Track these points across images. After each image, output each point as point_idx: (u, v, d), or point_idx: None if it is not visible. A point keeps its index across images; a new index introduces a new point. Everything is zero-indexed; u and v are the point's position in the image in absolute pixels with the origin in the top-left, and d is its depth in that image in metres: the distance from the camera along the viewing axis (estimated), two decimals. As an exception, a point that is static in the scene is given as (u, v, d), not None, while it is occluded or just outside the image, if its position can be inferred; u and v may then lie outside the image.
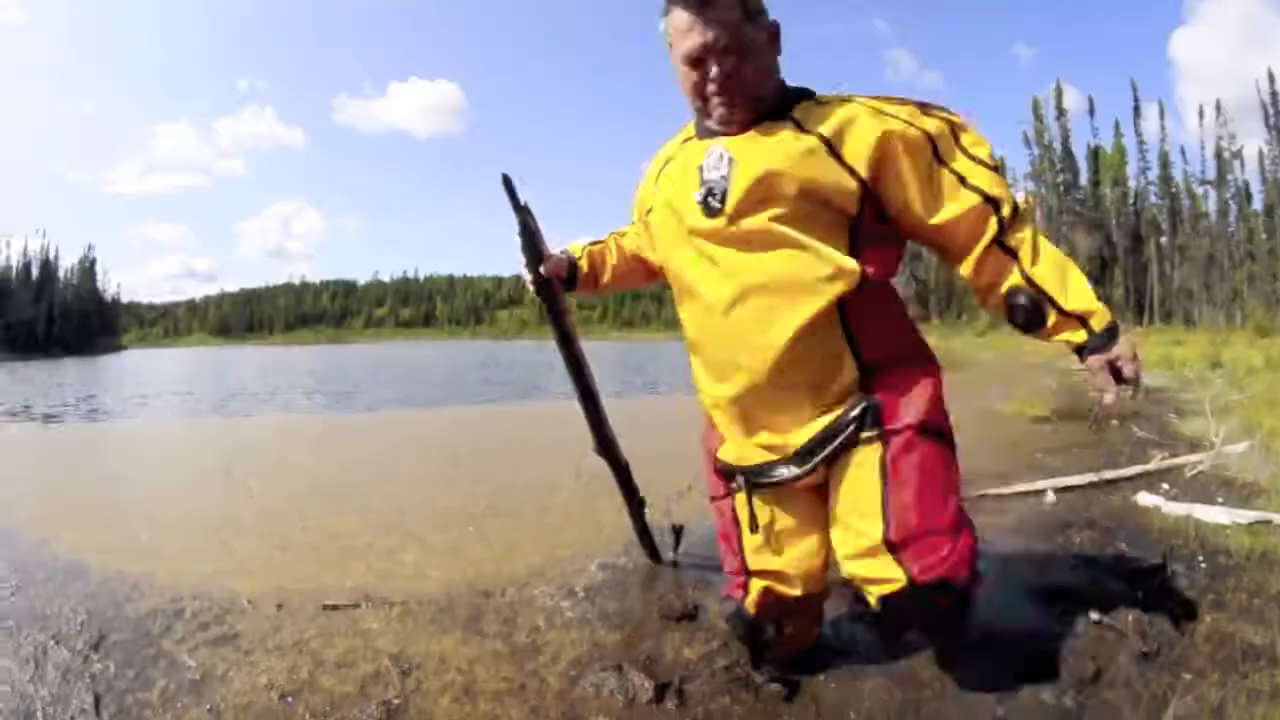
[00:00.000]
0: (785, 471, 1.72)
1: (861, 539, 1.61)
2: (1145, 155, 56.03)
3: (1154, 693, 1.69)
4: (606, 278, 2.13)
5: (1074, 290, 1.60)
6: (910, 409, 1.65)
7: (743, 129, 1.65)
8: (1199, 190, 53.89)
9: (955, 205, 1.61)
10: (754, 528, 1.78)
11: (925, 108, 1.65)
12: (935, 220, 1.63)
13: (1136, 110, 56.26)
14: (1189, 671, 1.77)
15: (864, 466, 1.65)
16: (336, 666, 1.91)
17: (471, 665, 1.93)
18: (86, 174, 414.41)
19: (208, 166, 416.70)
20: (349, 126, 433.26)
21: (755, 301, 1.62)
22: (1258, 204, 51.80)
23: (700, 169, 1.68)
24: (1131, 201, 56.15)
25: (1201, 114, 53.95)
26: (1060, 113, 57.35)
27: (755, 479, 1.76)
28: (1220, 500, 3.36)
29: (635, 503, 2.59)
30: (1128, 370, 1.58)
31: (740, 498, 1.80)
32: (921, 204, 1.62)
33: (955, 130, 1.64)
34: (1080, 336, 1.60)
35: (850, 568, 1.64)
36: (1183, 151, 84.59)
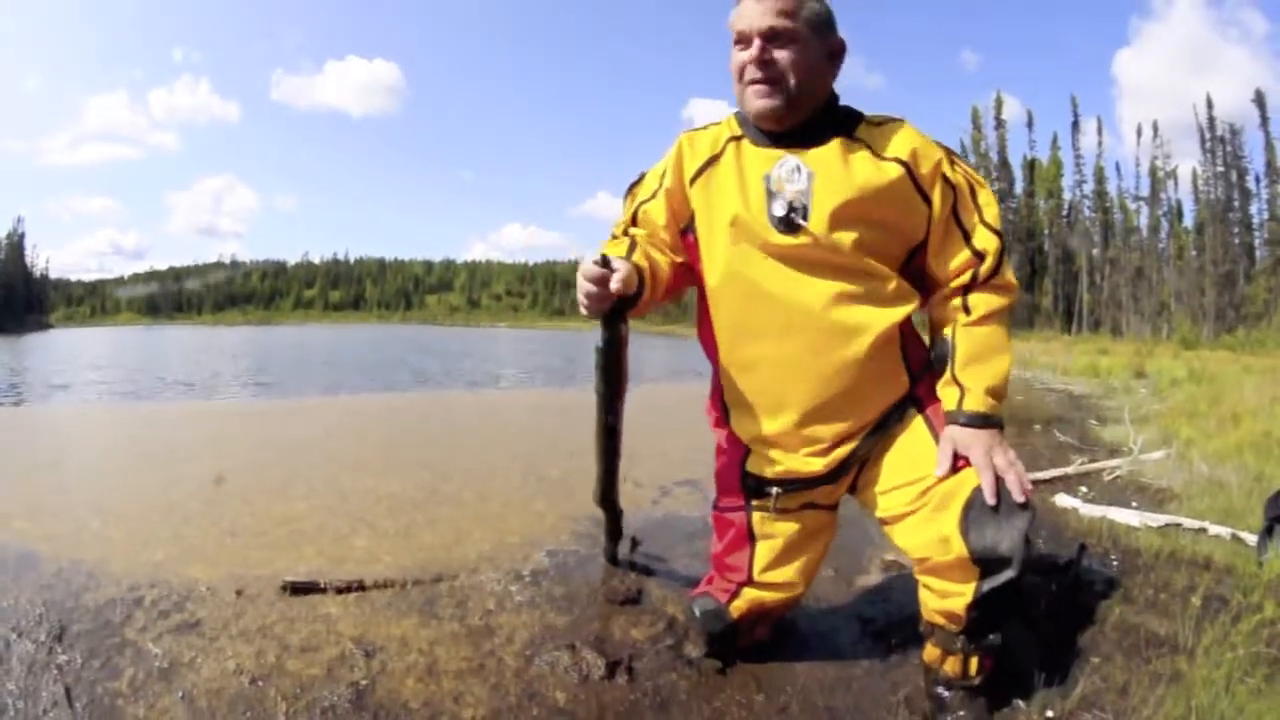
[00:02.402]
0: (829, 476, 1.69)
1: (921, 482, 1.56)
2: (1081, 169, 57.36)
3: (1064, 674, 1.78)
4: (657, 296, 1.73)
5: (977, 368, 1.60)
6: (930, 390, 1.68)
7: (792, 132, 1.61)
8: (1132, 206, 55.60)
9: (955, 257, 1.63)
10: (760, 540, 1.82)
11: (952, 158, 1.64)
12: (937, 266, 1.65)
13: (1076, 125, 57.65)
14: (1097, 656, 1.89)
15: (911, 434, 1.64)
16: (301, 650, 1.93)
17: (432, 646, 1.97)
18: (24, 143, 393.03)
19: (140, 138, 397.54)
20: (284, 103, 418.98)
21: (835, 317, 1.56)
22: (1189, 221, 53.84)
23: (768, 179, 1.59)
24: (1065, 213, 57.69)
25: (1139, 132, 55.37)
26: (999, 123, 58.45)
27: (792, 488, 1.74)
28: (1135, 504, 3.49)
29: (617, 536, 2.52)
30: (975, 462, 1.52)
31: (760, 516, 1.81)
32: (931, 245, 1.63)
33: (974, 188, 1.64)
34: (951, 403, 1.59)
35: (912, 512, 1.56)
36: (1118, 167, 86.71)
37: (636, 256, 1.66)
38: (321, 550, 2.74)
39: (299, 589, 2.30)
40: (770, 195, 1.58)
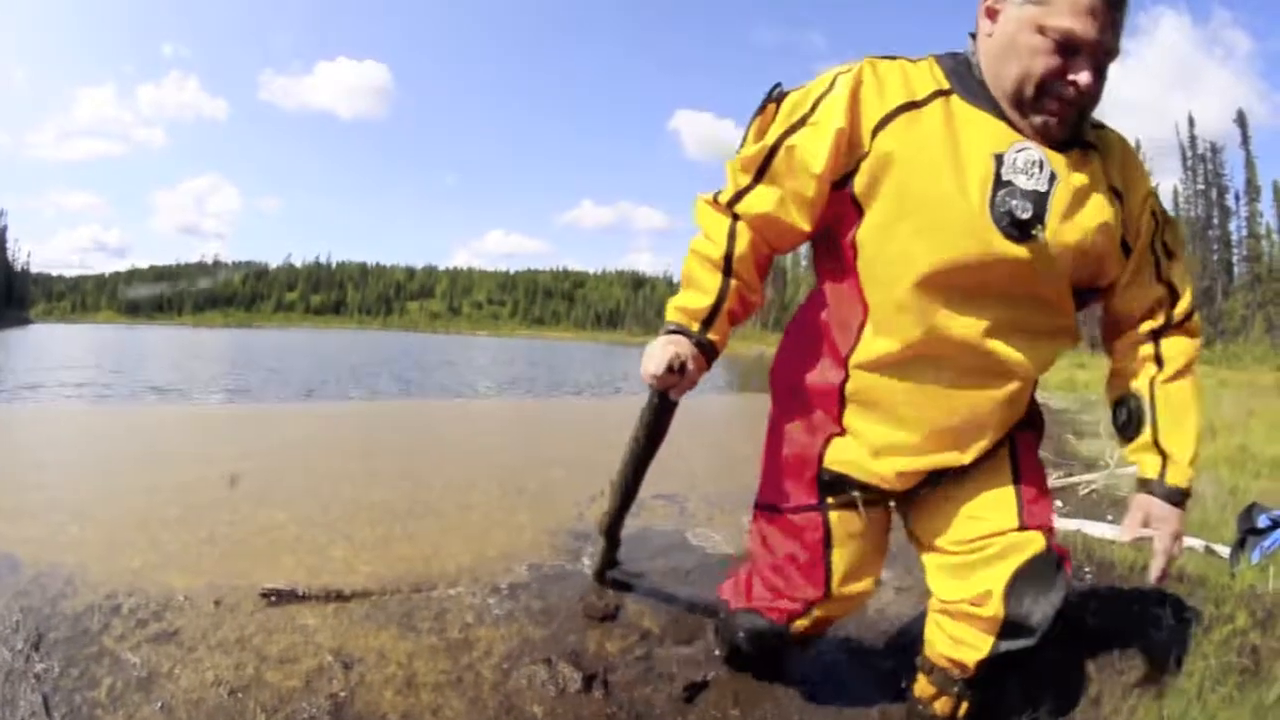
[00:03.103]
0: (924, 488, 1.51)
1: (985, 523, 1.46)
2: None
3: (1037, 686, 1.79)
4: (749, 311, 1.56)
5: (1179, 434, 1.46)
6: (1030, 409, 1.58)
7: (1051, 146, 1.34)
8: None
9: (1147, 293, 1.48)
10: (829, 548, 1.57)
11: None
12: (1123, 303, 1.50)
13: None
14: (1070, 668, 1.91)
15: (991, 466, 1.49)
16: (280, 662, 1.92)
17: (410, 659, 1.97)
18: (10, 136, 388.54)
19: (127, 134, 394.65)
20: (272, 103, 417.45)
21: (995, 348, 1.36)
22: None
23: (1000, 160, 1.30)
24: None
25: None
26: None
27: (870, 494, 1.52)
28: (1110, 517, 3.51)
29: (611, 564, 2.51)
30: (1160, 540, 1.45)
31: (839, 515, 1.55)
32: (1123, 279, 1.47)
33: (1170, 221, 1.49)
34: (1153, 469, 1.47)
35: (964, 554, 1.46)
36: None
37: (714, 330, 1.46)
38: (300, 560, 2.73)
39: (278, 598, 2.30)
40: (1000, 181, 1.30)
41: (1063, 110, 1.29)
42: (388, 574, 2.61)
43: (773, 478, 1.63)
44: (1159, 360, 1.49)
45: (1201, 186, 52.24)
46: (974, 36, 1.39)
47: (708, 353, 1.46)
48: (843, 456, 1.51)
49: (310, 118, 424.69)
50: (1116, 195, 1.38)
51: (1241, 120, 51.20)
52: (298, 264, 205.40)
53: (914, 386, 1.40)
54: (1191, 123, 52.66)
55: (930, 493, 1.52)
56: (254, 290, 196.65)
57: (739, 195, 1.46)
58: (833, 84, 1.37)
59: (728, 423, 8.55)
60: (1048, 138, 1.32)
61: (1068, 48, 1.25)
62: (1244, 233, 51.22)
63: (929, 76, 1.37)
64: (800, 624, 1.63)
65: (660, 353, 1.38)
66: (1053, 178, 1.30)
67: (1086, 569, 2.68)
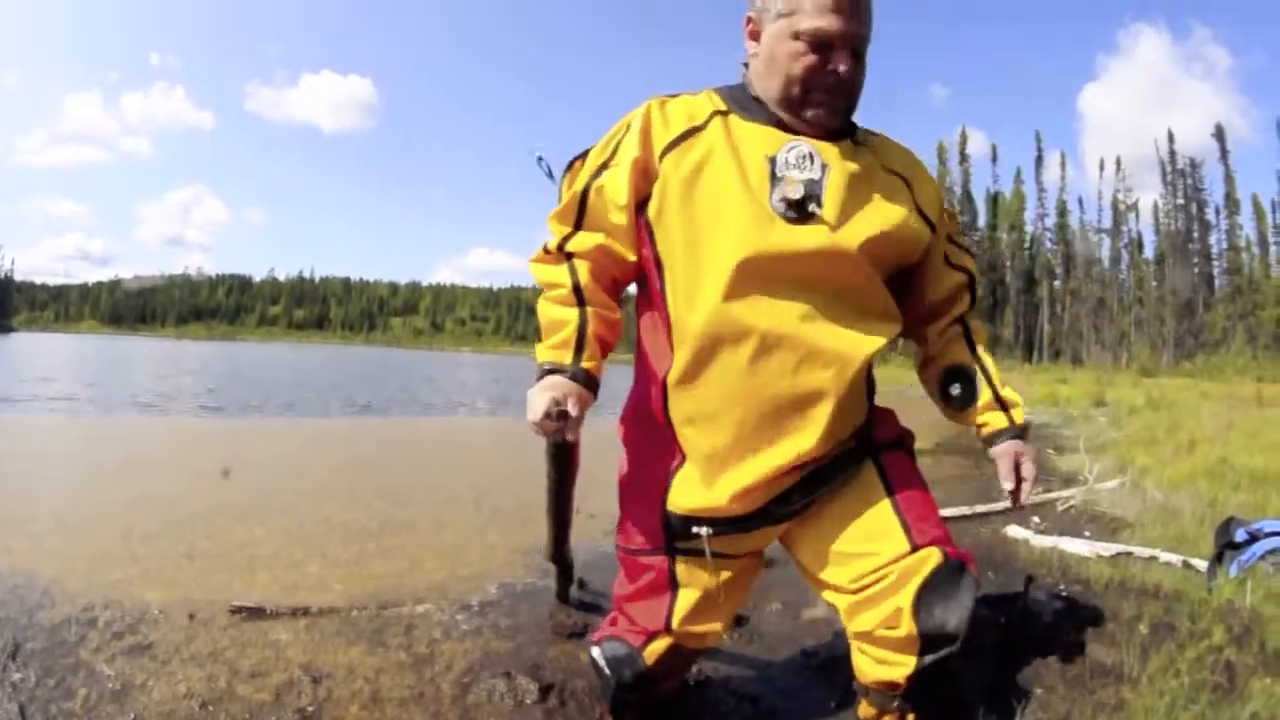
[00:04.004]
0: (779, 510, 1.49)
1: (875, 557, 1.42)
2: (1044, 202, 59.18)
3: (1007, 705, 1.75)
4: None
5: (1008, 387, 1.59)
6: (891, 427, 1.59)
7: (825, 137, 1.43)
8: (1094, 238, 57.21)
9: (945, 283, 1.58)
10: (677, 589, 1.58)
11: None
12: (930, 291, 1.59)
13: (1039, 159, 59.56)
14: (1041, 687, 1.90)
15: (863, 490, 1.49)
16: (251, 676, 1.97)
17: (377, 674, 2.01)
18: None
19: (113, 143, 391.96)
20: (258, 114, 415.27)
21: (814, 336, 1.37)
22: (1149, 253, 55.36)
23: (774, 162, 1.39)
24: (1027, 246, 58.89)
25: (1102, 166, 57.71)
26: (963, 157, 59.90)
27: (723, 530, 1.50)
28: (1087, 534, 3.51)
29: (568, 585, 2.55)
30: (1026, 468, 1.54)
31: (685, 563, 1.56)
32: (928, 271, 1.58)
33: (954, 215, 1.61)
34: (1002, 421, 1.57)
35: (863, 588, 1.43)
36: (1080, 201, 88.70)
37: (586, 356, 1.44)
38: (276, 577, 2.77)
39: (248, 615, 2.34)
40: (775, 179, 1.38)
41: (832, 100, 1.39)
42: (360, 591, 2.66)
43: (622, 519, 1.65)
44: (969, 336, 1.61)
45: (1181, 201, 53.19)
46: (746, 65, 1.51)
47: (587, 383, 1.43)
48: (684, 495, 1.50)
49: (295, 130, 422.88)
50: (900, 179, 1.48)
51: (1220, 135, 52.26)
52: (281, 278, 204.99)
53: (723, 386, 1.40)
54: (1171, 138, 53.69)
55: (798, 525, 1.52)
56: (237, 303, 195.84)
57: (565, 239, 1.51)
58: (628, 127, 1.48)
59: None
60: (824, 129, 1.42)
61: (822, 44, 1.35)
62: (1224, 246, 52.10)
63: (707, 103, 1.48)
64: (649, 652, 1.61)
65: (538, 400, 1.35)
66: (824, 167, 1.39)
67: (1062, 587, 2.66)
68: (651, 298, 1.51)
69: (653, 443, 1.56)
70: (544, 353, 1.47)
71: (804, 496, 1.48)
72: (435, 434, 9.01)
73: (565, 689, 1.96)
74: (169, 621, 2.29)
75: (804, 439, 1.41)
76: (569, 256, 1.51)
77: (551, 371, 1.43)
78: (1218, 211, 53.08)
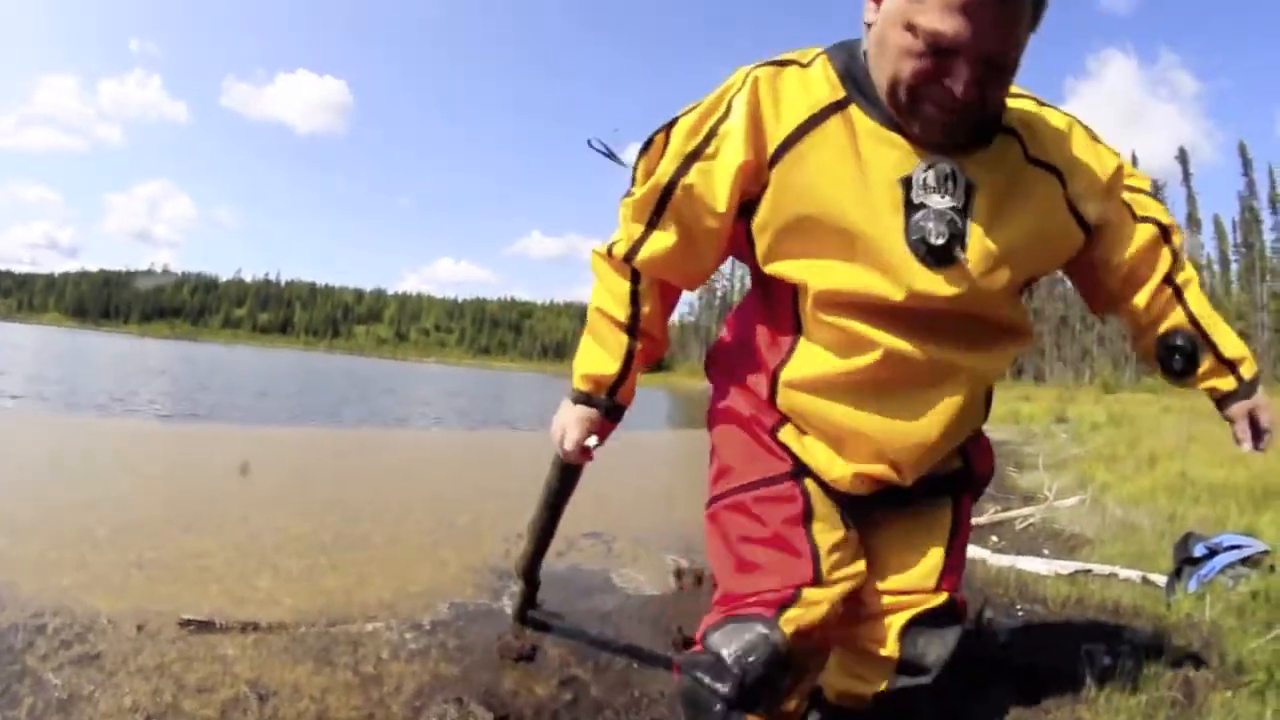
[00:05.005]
0: (876, 505, 1.35)
1: (914, 584, 1.35)
2: None
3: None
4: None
5: (1226, 335, 1.40)
6: (986, 459, 1.48)
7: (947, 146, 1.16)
8: None
9: (1136, 240, 1.35)
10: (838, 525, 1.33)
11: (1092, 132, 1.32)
12: (1117, 258, 1.35)
13: None
14: (993, 709, 1.88)
15: (933, 526, 1.39)
16: (197, 691, 1.97)
17: (324, 694, 2.02)
18: None
19: (86, 129, 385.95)
20: (233, 110, 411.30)
21: (959, 353, 1.22)
22: None
23: (908, 184, 1.15)
24: None
25: None
26: None
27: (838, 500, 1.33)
28: (1046, 552, 3.51)
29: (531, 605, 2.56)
30: (1264, 419, 1.38)
31: (814, 484, 1.32)
32: (1107, 240, 1.34)
33: (1122, 167, 1.35)
34: (1230, 384, 1.39)
35: (892, 599, 1.35)
36: None
37: (622, 393, 1.40)
38: (226, 589, 2.76)
39: (198, 628, 2.34)
40: (911, 207, 1.15)
41: (942, 117, 1.10)
42: (310, 606, 2.66)
43: (731, 458, 1.40)
44: (1179, 293, 1.38)
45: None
46: (869, 26, 1.18)
47: (615, 415, 1.41)
48: (797, 444, 1.33)
49: (269, 128, 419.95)
50: (1053, 173, 1.22)
51: (1183, 158, 53.60)
52: (248, 279, 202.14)
53: (840, 393, 1.25)
54: (1135, 161, 54.94)
55: (867, 522, 1.37)
56: (202, 303, 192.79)
57: (635, 247, 1.32)
58: (729, 109, 1.21)
59: (662, 460, 8.63)
60: (934, 142, 1.15)
61: (940, 49, 1.06)
62: None
63: (824, 83, 1.20)
64: (793, 615, 1.25)
65: (575, 431, 1.37)
66: (969, 189, 1.15)
67: (1019, 606, 2.66)
68: (769, 288, 1.32)
69: (756, 393, 1.38)
70: (582, 381, 1.40)
71: (895, 506, 1.35)
72: (393, 445, 8.95)
73: (519, 719, 1.97)
74: (117, 631, 2.28)
75: (918, 445, 1.25)
76: (635, 274, 1.36)
77: (584, 400, 1.39)
78: (1180, 231, 54.70)
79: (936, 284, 1.14)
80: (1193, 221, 53.95)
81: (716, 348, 1.51)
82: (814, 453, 1.31)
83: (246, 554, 3.24)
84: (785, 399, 1.30)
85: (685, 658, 1.34)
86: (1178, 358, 1.39)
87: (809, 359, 1.26)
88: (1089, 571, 3.06)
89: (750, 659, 1.22)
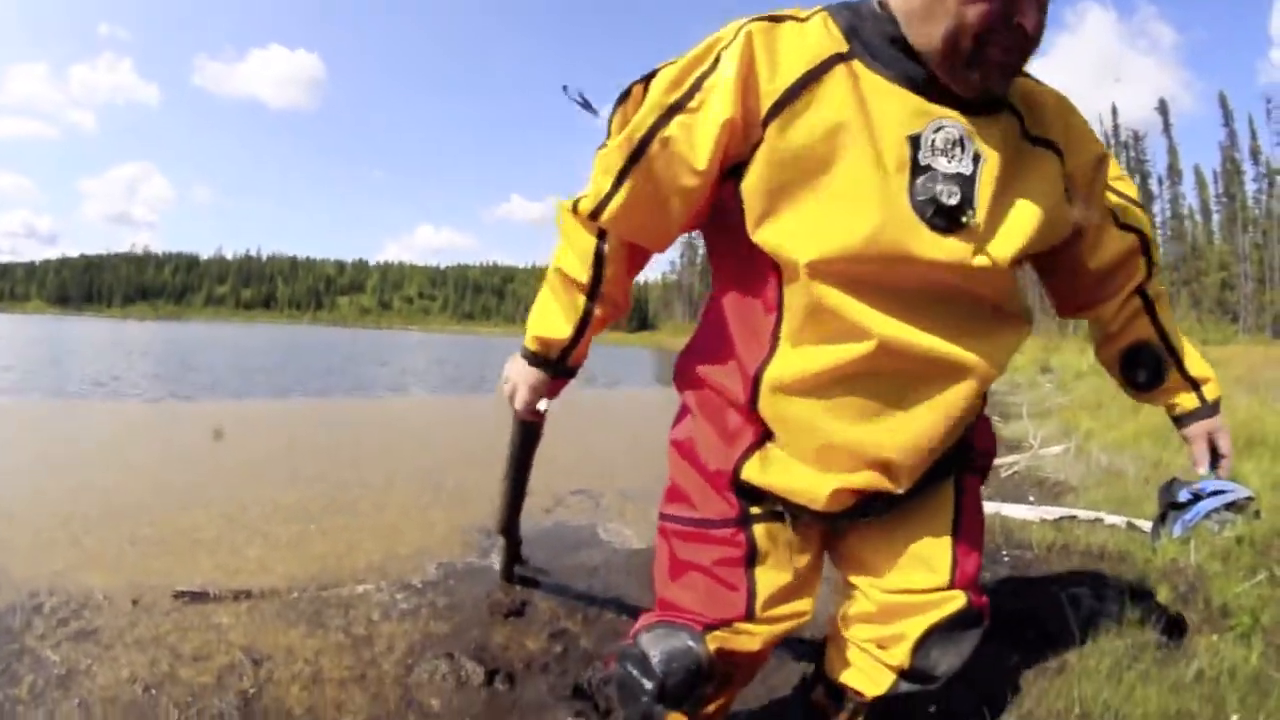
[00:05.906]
0: (861, 511, 1.26)
1: (925, 584, 1.28)
2: None
3: None
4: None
5: (1193, 354, 1.40)
6: (986, 436, 1.43)
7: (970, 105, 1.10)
8: None
9: (1115, 245, 1.31)
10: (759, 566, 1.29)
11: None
12: (1094, 262, 1.32)
13: None
14: (980, 654, 1.88)
15: (935, 511, 1.31)
16: (193, 659, 2.00)
17: (317, 655, 2.06)
18: None
19: (58, 116, 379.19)
20: (204, 89, 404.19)
21: (961, 341, 1.14)
22: None
23: (916, 143, 1.07)
24: None
25: None
26: None
27: (800, 518, 1.27)
28: (1031, 499, 3.50)
29: (515, 561, 2.51)
30: (1223, 444, 1.40)
31: (765, 529, 1.28)
32: (1086, 242, 1.30)
33: (1106, 157, 1.29)
34: (1192, 402, 1.39)
35: (889, 609, 1.30)
36: None
37: (574, 355, 1.38)
38: (218, 561, 2.79)
39: (192, 599, 2.37)
40: (917, 168, 1.07)
41: (1008, 59, 1.05)
42: (301, 572, 2.69)
43: (683, 484, 1.35)
44: (1149, 305, 1.37)
45: (1125, 172, 55.81)
46: None
47: (568, 374, 1.41)
48: (764, 473, 1.25)
49: (242, 105, 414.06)
50: (1051, 149, 1.18)
51: (1163, 108, 53.76)
52: (229, 256, 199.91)
53: (827, 393, 1.16)
54: (1115, 112, 55.26)
55: (857, 523, 1.30)
56: (184, 283, 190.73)
57: (603, 203, 1.22)
58: (717, 61, 1.11)
59: (648, 415, 8.66)
60: (985, 94, 1.09)
61: None
62: (1167, 215, 53.75)
63: (825, 38, 1.11)
64: (721, 636, 1.27)
65: (524, 392, 1.40)
66: (977, 158, 1.09)
67: (1004, 552, 2.69)
68: (747, 268, 1.21)
69: (724, 415, 1.29)
70: (533, 341, 1.37)
71: (889, 506, 1.26)
72: (380, 414, 8.94)
73: (510, 672, 2.01)
74: (113, 607, 2.31)
75: (916, 446, 1.18)
76: (602, 233, 1.28)
77: (534, 360, 1.39)
78: (1160, 182, 55.04)
79: (942, 248, 1.07)
80: (1173, 172, 54.07)
81: (684, 360, 1.40)
82: (790, 475, 1.22)
83: (237, 525, 3.26)
84: (768, 404, 1.20)
85: (620, 648, 1.36)
86: (1142, 371, 1.39)
87: (795, 354, 1.16)
88: (1074, 517, 3.08)
89: (673, 665, 1.24)
